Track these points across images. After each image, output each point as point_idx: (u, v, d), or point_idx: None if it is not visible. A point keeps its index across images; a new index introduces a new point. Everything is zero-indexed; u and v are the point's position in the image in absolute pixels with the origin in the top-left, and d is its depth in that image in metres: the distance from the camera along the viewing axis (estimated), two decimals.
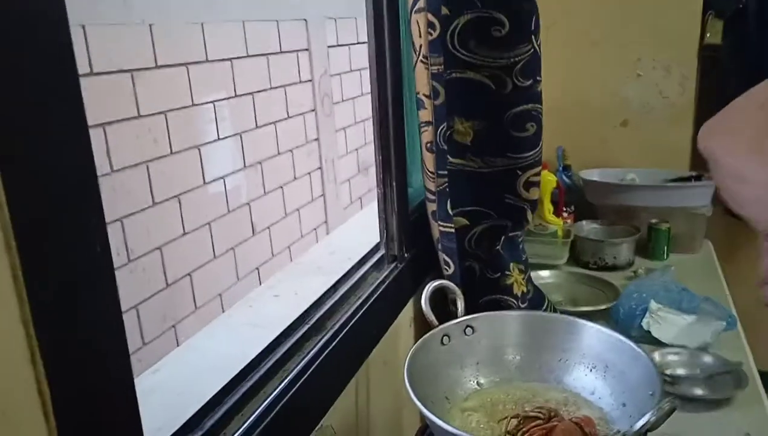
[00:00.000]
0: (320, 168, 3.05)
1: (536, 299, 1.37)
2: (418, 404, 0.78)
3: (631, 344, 0.88)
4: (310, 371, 0.87)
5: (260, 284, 2.47)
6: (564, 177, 1.95)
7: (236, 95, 2.42)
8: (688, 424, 1.21)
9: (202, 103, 2.21)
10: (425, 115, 1.10)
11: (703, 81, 1.98)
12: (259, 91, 2.55)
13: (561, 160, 1.99)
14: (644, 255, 1.87)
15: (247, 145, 2.48)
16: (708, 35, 1.95)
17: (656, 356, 1.35)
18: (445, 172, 1.12)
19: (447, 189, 1.13)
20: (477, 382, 0.94)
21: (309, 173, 2.95)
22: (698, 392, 1.28)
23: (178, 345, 1.96)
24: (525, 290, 1.29)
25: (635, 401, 0.84)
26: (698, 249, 1.92)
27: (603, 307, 1.56)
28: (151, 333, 1.91)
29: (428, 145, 1.12)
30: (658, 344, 1.41)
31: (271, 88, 2.64)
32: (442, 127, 1.09)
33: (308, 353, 0.90)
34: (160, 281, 1.97)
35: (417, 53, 1.11)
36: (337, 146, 3.19)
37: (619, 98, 2.06)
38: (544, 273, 1.75)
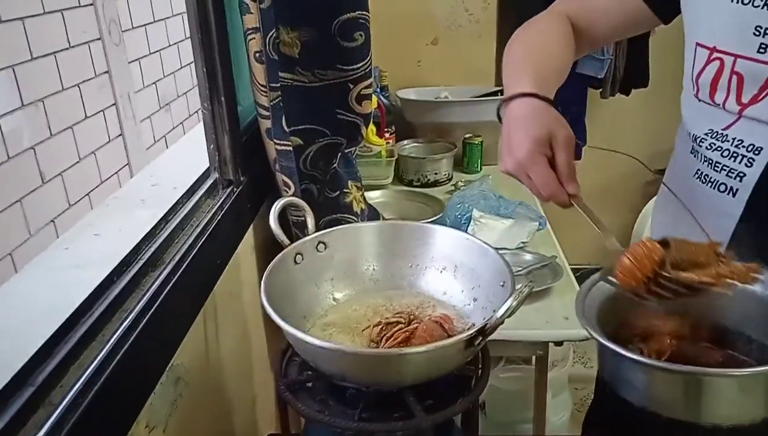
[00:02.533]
0: (115, 104, 2.75)
1: (372, 216, 1.37)
2: (281, 322, 0.73)
3: (478, 241, 0.90)
4: (154, 308, 0.77)
5: (57, 237, 2.19)
6: (382, 98, 1.96)
7: (0, 20, 2.06)
8: (517, 314, 1.31)
9: None
10: (251, 20, 1.01)
11: None
12: (29, 17, 2.19)
13: (378, 81, 1.99)
14: (461, 169, 1.97)
15: (22, 80, 2.14)
16: None
17: None
18: (278, 85, 1.04)
19: (281, 104, 1.05)
20: (333, 297, 0.92)
21: (103, 111, 2.65)
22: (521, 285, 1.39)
23: None
24: (363, 206, 1.28)
25: (486, 294, 0.87)
26: None
27: (431, 219, 1.62)
28: None
29: (257, 54, 1.03)
30: None
31: (45, 12, 2.28)
32: (271, 34, 1.00)
33: (148, 289, 0.80)
34: None
35: None
36: (132, 80, 2.89)
37: (427, 16, 2.09)
38: (373, 193, 1.77)
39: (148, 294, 0.79)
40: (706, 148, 0.85)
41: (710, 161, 0.84)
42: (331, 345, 0.72)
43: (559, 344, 1.40)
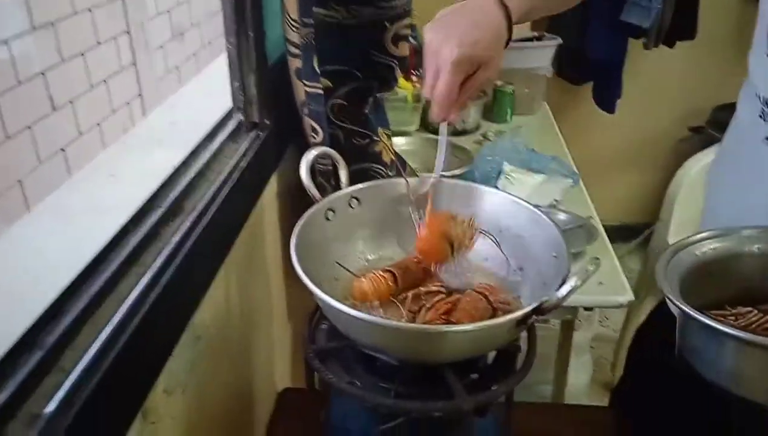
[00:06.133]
0: (128, 32, 2.63)
1: (400, 165, 1.29)
2: (315, 289, 0.67)
3: (530, 206, 0.83)
4: (175, 261, 0.71)
5: (68, 167, 2.13)
6: (410, 38, 1.84)
7: None
8: None
9: None
10: None
11: None
12: None
13: None
14: (489, 118, 1.88)
15: (33, 2, 2.03)
16: None
17: None
18: (311, 21, 0.95)
19: (313, 42, 0.96)
20: (366, 258, 0.85)
21: (115, 38, 2.53)
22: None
23: None
24: (393, 156, 1.20)
25: (535, 264, 0.81)
26: (537, 110, 1.97)
27: (459, 171, 1.54)
28: None
29: None
30: None
31: None
32: None
33: (169, 240, 0.73)
34: None
35: None
36: (145, 6, 2.76)
37: None
38: (398, 140, 1.68)
39: (169, 246, 0.73)
40: None
41: None
42: (369, 317, 0.65)
43: (589, 309, 1.35)
